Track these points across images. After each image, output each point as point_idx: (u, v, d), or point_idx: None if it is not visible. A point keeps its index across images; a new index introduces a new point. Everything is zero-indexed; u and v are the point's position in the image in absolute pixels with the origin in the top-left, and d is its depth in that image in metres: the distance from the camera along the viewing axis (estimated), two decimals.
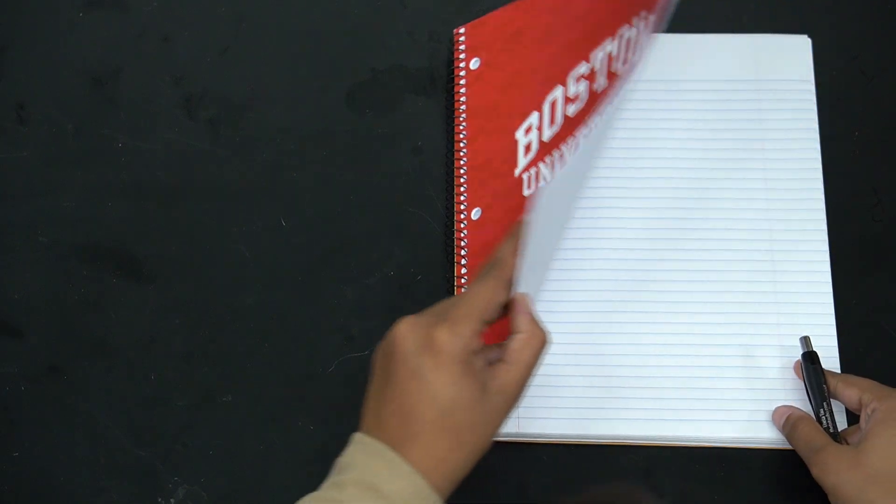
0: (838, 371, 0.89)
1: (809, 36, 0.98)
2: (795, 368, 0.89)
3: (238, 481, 0.88)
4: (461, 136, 0.94)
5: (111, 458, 0.88)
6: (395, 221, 0.94)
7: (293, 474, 0.88)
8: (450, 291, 0.91)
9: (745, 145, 0.95)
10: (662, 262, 0.92)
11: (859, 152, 0.97)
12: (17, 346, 0.91)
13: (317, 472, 0.87)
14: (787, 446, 0.88)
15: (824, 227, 0.93)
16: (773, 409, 0.89)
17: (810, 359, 0.88)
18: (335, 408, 0.89)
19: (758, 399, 0.89)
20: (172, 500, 0.87)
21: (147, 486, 0.87)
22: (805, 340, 0.89)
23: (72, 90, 0.96)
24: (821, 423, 0.86)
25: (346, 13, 1.00)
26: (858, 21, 1.01)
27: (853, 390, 0.85)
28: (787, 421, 0.87)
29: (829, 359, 0.89)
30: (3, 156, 0.95)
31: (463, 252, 0.91)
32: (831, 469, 0.82)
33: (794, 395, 0.89)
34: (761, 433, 0.88)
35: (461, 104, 0.95)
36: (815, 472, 0.83)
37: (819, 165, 0.95)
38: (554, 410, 0.88)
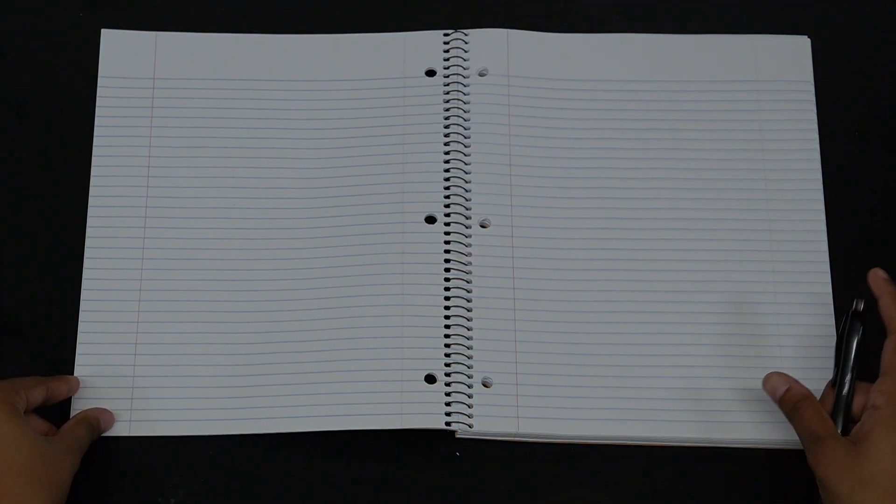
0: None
1: (809, 36, 0.98)
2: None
3: (238, 481, 0.88)
4: None
5: (111, 457, 0.88)
6: None
7: (293, 475, 0.88)
8: None
9: (745, 146, 0.95)
10: (661, 262, 0.92)
11: (859, 152, 0.97)
12: (17, 346, 0.90)
13: (316, 471, 0.88)
14: (788, 446, 0.88)
15: (824, 227, 0.93)
16: (765, 375, 0.88)
17: (859, 320, 0.85)
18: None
19: (758, 399, 0.89)
20: (172, 500, 0.87)
21: (147, 486, 0.87)
22: (858, 300, 0.86)
23: (72, 90, 0.96)
24: (840, 398, 0.84)
25: (345, 13, 1.00)
26: (858, 21, 1.01)
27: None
28: (787, 398, 0.85)
29: (828, 359, 0.89)
30: (3, 156, 0.95)
31: None
32: (825, 462, 0.81)
33: None
34: (762, 434, 0.88)
35: None
36: (811, 460, 0.82)
37: (818, 166, 0.95)
38: (554, 410, 0.88)
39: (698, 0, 1.01)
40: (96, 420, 0.87)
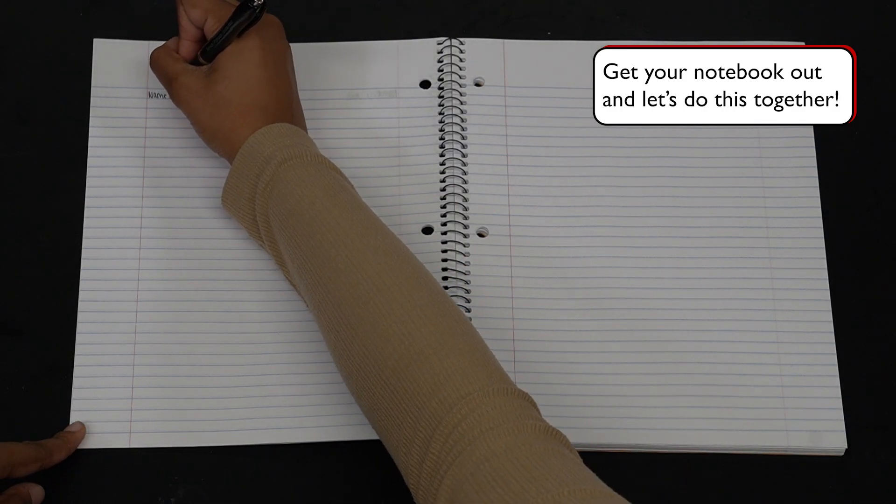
0: (836, 375, 0.90)
1: (806, 38, 0.98)
2: None
3: (238, 481, 0.88)
4: None
5: (111, 457, 0.88)
6: None
7: (294, 476, 0.88)
8: None
9: (742, 142, 0.95)
10: (659, 269, 0.93)
11: (858, 152, 0.97)
12: (17, 346, 0.91)
13: (316, 470, 0.88)
14: (788, 452, 0.88)
15: (820, 223, 0.94)
16: None
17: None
18: None
19: (755, 408, 0.89)
20: (172, 500, 0.87)
21: (147, 485, 0.88)
22: None
23: (72, 91, 0.96)
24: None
25: (345, 15, 1.00)
26: (858, 21, 1.01)
27: (197, 11, 0.90)
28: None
29: (827, 355, 0.90)
30: (3, 156, 0.95)
31: None
32: (183, 97, 0.89)
33: (792, 403, 0.89)
34: (760, 441, 0.88)
35: None
36: (174, 100, 0.90)
37: (814, 163, 0.95)
38: (552, 419, 0.88)
39: (697, 2, 1.01)
40: (27, 496, 0.84)
